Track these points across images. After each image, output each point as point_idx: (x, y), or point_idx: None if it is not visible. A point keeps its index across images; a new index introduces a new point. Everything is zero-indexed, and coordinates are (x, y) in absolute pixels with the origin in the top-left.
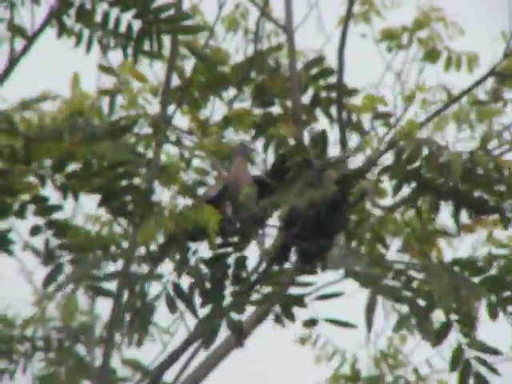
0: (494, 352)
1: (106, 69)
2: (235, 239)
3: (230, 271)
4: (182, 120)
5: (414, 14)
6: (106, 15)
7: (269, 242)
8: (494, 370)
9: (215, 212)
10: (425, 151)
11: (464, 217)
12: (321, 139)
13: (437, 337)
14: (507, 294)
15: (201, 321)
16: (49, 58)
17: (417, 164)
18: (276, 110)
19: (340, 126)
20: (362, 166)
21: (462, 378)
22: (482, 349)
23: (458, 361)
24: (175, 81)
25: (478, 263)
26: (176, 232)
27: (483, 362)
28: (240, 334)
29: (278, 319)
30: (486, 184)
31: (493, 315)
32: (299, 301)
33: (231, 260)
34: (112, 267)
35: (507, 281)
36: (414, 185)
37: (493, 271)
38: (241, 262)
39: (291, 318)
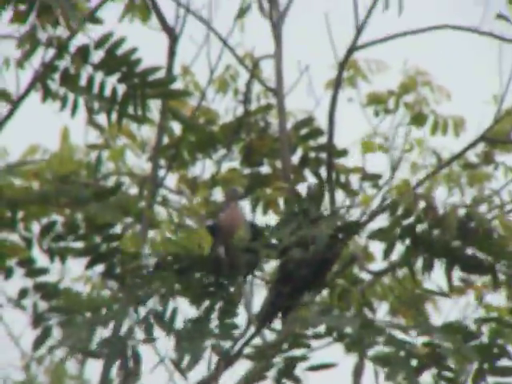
0: None
1: (94, 124)
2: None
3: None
4: (170, 179)
5: (400, 78)
6: (90, 79)
7: (255, 305)
8: None
9: (208, 235)
10: (421, 204)
11: (454, 279)
12: (317, 192)
13: None
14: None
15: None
16: (34, 120)
17: (412, 219)
18: (265, 169)
19: (329, 186)
20: (356, 220)
21: None
22: None
23: None
24: (165, 140)
25: (468, 328)
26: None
27: None
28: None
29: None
30: (482, 241)
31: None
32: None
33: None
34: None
35: (496, 350)
36: (407, 242)
37: (483, 337)
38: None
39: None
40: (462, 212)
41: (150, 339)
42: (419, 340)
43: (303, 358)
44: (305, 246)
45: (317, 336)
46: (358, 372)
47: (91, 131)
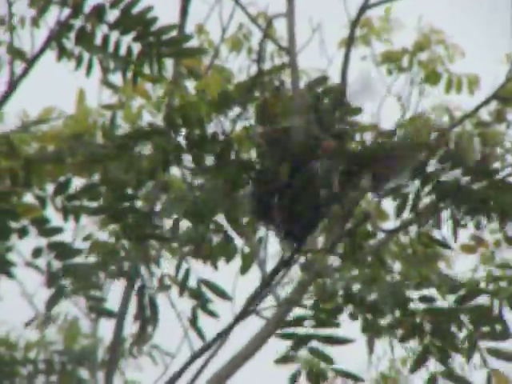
0: (466, 382)
1: (109, 84)
2: None
3: None
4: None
5: (415, 36)
6: (105, 38)
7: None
8: None
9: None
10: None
11: (465, 236)
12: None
13: (414, 363)
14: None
15: None
16: (49, 80)
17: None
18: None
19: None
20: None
21: None
22: (455, 379)
23: None
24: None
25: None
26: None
27: None
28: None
29: None
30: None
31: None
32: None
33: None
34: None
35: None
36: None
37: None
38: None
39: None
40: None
41: (164, 287)
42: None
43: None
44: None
45: (338, 310)
46: (371, 343)
47: (106, 91)
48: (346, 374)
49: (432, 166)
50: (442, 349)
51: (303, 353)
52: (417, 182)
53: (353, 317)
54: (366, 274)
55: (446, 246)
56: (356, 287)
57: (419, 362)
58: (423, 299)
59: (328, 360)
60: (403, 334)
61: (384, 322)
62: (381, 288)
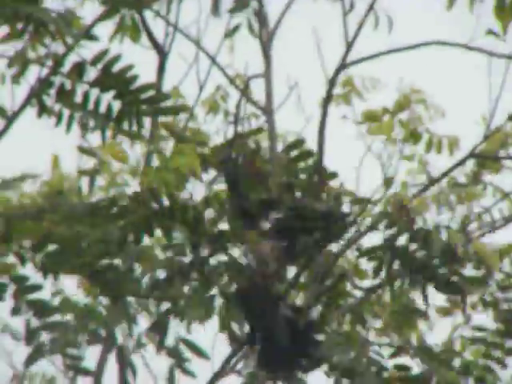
0: None
1: (85, 150)
2: None
3: None
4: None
5: (395, 96)
6: (86, 95)
7: None
8: None
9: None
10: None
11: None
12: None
13: None
14: None
15: None
16: (29, 137)
17: (393, 231)
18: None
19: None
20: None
21: None
22: None
23: None
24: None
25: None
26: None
27: None
28: None
29: None
30: (457, 264)
31: None
32: None
33: None
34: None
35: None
36: (388, 257)
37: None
38: None
39: None
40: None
41: (140, 345)
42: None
43: None
44: None
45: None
46: None
47: (82, 158)
48: None
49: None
50: None
51: None
52: (387, 255)
53: (328, 375)
54: (341, 338)
55: (420, 313)
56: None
57: None
58: (398, 367)
59: None
60: None
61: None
62: (356, 357)
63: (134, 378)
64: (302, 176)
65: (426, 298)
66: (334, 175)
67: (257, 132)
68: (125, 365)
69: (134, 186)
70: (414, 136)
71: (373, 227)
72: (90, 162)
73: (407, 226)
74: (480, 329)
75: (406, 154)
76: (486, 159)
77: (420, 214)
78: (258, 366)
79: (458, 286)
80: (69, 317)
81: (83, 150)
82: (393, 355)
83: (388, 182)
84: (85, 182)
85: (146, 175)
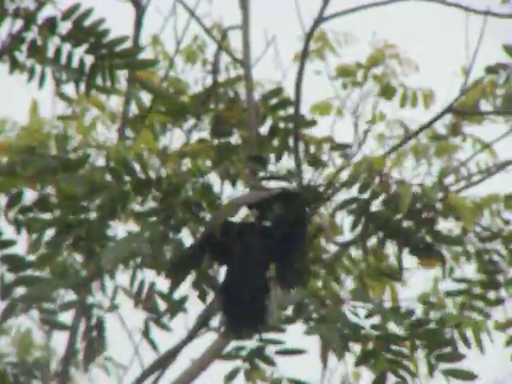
0: None
1: (63, 96)
2: None
3: None
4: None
5: (369, 50)
6: (58, 50)
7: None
8: None
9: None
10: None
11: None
12: None
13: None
14: (444, 350)
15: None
16: (2, 92)
17: (368, 194)
18: (234, 140)
19: (296, 156)
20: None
21: None
22: None
23: None
24: (134, 110)
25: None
26: None
27: None
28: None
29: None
30: (428, 224)
31: (430, 371)
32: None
33: None
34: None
35: (444, 337)
36: (363, 219)
37: (431, 324)
38: None
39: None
40: (415, 190)
41: (113, 307)
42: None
43: (278, 342)
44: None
45: (288, 320)
46: (325, 347)
47: (60, 103)
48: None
49: (375, 206)
50: (398, 374)
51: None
52: (362, 220)
53: (307, 333)
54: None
55: (394, 276)
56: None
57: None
58: (375, 327)
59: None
60: (357, 359)
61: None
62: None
63: (101, 339)
64: (280, 125)
65: (400, 262)
66: (312, 123)
67: (235, 81)
68: (93, 326)
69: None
70: (388, 90)
71: (348, 184)
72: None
73: (380, 190)
74: (463, 280)
75: (380, 109)
76: (465, 114)
77: (393, 178)
78: (224, 325)
79: (435, 249)
80: (45, 272)
81: (61, 96)
82: (368, 316)
83: (364, 135)
84: (62, 130)
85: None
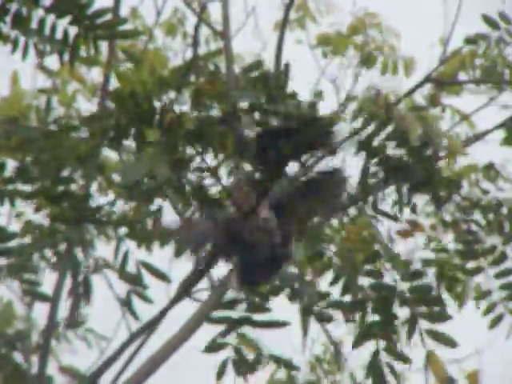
0: (406, 360)
1: (44, 69)
2: None
3: None
4: None
5: (349, 19)
6: (41, 21)
7: None
8: (396, 376)
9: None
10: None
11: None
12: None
13: (356, 340)
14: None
15: None
16: None
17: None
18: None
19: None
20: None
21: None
22: (396, 355)
23: (373, 366)
24: (113, 83)
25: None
26: None
27: (392, 370)
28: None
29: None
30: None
31: (410, 329)
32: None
33: None
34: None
35: (433, 295)
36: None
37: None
38: None
39: (247, 363)
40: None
41: (98, 269)
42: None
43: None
44: None
45: (273, 292)
46: (305, 325)
47: (41, 76)
48: (281, 362)
49: (377, 141)
50: (384, 327)
51: (233, 341)
52: (363, 155)
53: (291, 299)
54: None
55: (393, 218)
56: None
57: (361, 339)
58: (370, 273)
59: (256, 347)
60: (348, 307)
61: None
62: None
63: (87, 294)
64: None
65: (400, 200)
66: (294, 94)
67: (215, 54)
68: (79, 282)
69: (92, 106)
70: (369, 59)
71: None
72: (47, 84)
73: (385, 121)
74: (441, 250)
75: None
76: (444, 84)
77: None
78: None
79: (435, 186)
80: (27, 241)
81: (42, 69)
82: (367, 262)
83: (348, 99)
84: (43, 102)
85: (122, 77)
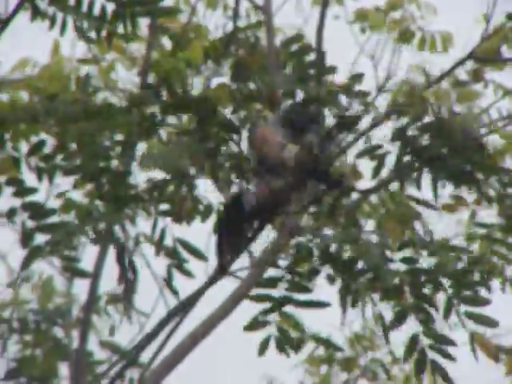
0: (449, 342)
1: (85, 37)
2: None
3: None
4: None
5: None
6: None
7: None
8: (450, 357)
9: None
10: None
11: (445, 196)
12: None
13: (392, 322)
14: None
15: None
16: (24, 39)
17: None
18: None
19: (317, 102)
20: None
21: (417, 365)
22: (438, 338)
23: (413, 349)
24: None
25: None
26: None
27: (439, 350)
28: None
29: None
30: (473, 153)
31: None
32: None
33: None
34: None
35: (473, 278)
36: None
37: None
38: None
39: (290, 341)
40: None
41: (137, 244)
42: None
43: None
44: None
45: (313, 271)
46: (344, 302)
47: (81, 46)
48: (324, 341)
49: (412, 130)
50: (422, 309)
51: (273, 318)
52: (397, 144)
53: (330, 279)
54: (344, 233)
55: (428, 205)
56: (333, 247)
57: (397, 321)
58: (405, 260)
59: (299, 326)
60: (382, 294)
61: (361, 281)
62: (359, 247)
63: (134, 276)
64: (302, 71)
65: (436, 190)
66: (333, 69)
67: (255, 26)
68: (125, 263)
69: (132, 76)
70: (406, 35)
71: (377, 122)
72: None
73: (420, 113)
74: (484, 225)
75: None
76: (486, 60)
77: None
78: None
79: (474, 176)
80: (68, 218)
81: (83, 38)
82: (400, 248)
83: (386, 80)
84: (83, 72)
85: (158, 64)
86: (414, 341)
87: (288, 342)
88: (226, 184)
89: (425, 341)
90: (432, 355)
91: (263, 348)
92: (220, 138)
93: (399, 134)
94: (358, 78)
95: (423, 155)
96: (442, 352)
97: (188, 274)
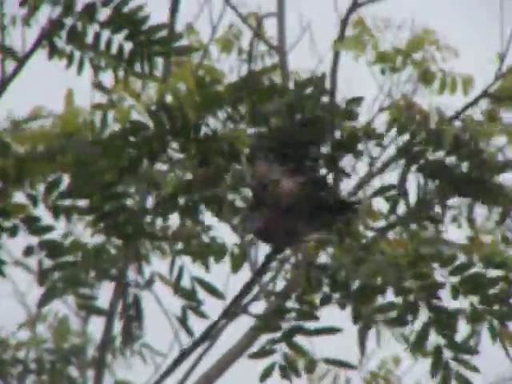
0: (470, 351)
1: (99, 86)
2: None
3: None
4: None
5: (408, 36)
6: (97, 36)
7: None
8: (474, 369)
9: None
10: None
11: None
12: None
13: (417, 341)
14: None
15: None
16: (41, 80)
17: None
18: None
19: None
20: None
21: (443, 381)
22: (459, 348)
23: (437, 364)
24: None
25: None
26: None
27: (462, 362)
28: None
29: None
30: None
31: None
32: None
33: None
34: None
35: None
36: (403, 163)
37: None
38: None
39: (296, 371)
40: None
41: (148, 283)
42: None
43: (313, 317)
44: None
45: (325, 300)
46: (362, 336)
47: (96, 93)
48: (337, 363)
49: (416, 147)
50: (441, 322)
51: (279, 347)
52: (402, 162)
53: (341, 306)
54: (354, 256)
55: (437, 221)
56: (342, 274)
57: (421, 339)
58: (417, 276)
59: (307, 355)
60: (398, 314)
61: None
62: (370, 266)
63: (139, 317)
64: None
65: (444, 204)
66: (353, 114)
67: (270, 69)
68: (129, 304)
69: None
70: (427, 76)
71: (388, 164)
72: (103, 100)
73: (420, 125)
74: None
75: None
76: (500, 99)
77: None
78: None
79: (485, 180)
80: (78, 257)
81: (97, 86)
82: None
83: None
84: (98, 118)
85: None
86: (438, 353)
87: (293, 370)
88: (230, 212)
89: (446, 353)
90: (455, 366)
91: (266, 375)
92: (222, 166)
93: (403, 151)
94: (357, 101)
95: (429, 168)
96: (467, 364)
97: (203, 315)
